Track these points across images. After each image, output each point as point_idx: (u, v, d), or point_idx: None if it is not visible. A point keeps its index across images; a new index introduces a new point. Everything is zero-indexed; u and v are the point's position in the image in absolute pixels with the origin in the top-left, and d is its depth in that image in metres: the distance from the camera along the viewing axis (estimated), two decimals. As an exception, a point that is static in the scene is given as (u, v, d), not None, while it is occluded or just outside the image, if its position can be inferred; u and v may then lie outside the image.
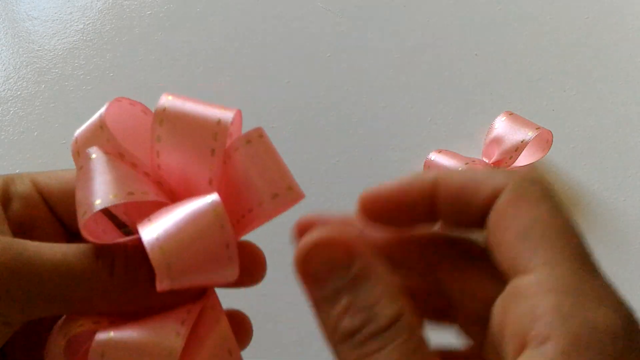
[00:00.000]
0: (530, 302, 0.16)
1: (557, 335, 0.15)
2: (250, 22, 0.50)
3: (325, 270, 0.17)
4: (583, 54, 0.48)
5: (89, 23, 0.50)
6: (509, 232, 0.17)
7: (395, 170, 0.40)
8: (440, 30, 0.49)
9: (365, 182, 0.39)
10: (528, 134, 0.38)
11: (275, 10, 0.51)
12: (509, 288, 0.16)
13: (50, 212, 0.22)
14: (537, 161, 0.40)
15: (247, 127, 0.38)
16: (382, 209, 0.20)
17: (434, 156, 0.38)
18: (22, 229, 0.21)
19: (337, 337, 0.17)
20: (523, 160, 0.40)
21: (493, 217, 0.17)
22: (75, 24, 0.50)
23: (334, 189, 0.39)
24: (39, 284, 0.18)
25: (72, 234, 0.22)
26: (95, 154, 0.21)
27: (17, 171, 0.40)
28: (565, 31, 0.50)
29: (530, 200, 0.17)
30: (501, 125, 0.40)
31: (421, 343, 0.16)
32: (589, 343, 0.15)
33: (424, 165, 0.38)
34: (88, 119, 0.22)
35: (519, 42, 0.49)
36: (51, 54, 0.47)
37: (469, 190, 0.18)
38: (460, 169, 0.17)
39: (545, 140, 0.39)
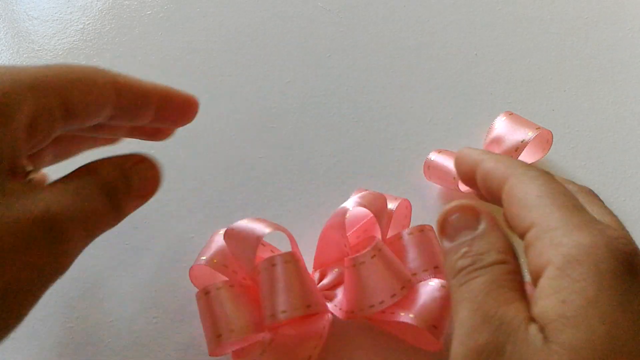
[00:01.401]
0: (534, 248, 0.21)
1: (553, 259, 0.20)
2: (250, 22, 0.50)
3: (455, 226, 0.23)
4: (583, 54, 0.48)
5: (89, 23, 0.50)
6: (514, 207, 0.22)
7: (396, 170, 0.40)
8: (440, 30, 0.49)
9: (366, 182, 0.39)
10: (528, 134, 0.38)
11: (275, 10, 0.51)
12: (523, 246, 0.22)
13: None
14: (537, 161, 0.40)
15: (247, 127, 0.38)
16: (458, 168, 0.28)
17: (434, 156, 0.38)
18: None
19: (452, 273, 0.22)
20: (523, 160, 0.40)
21: (504, 199, 0.23)
22: (75, 24, 0.50)
23: (334, 189, 0.39)
24: None
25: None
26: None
27: (17, 171, 0.40)
28: (565, 31, 0.50)
29: (526, 181, 0.23)
30: (501, 125, 0.40)
31: (514, 282, 0.21)
32: (576, 256, 0.19)
33: (424, 165, 0.38)
34: None
35: (519, 42, 0.49)
36: (51, 54, 0.47)
37: (487, 180, 0.25)
38: (488, 157, 0.26)
39: (545, 140, 0.39)
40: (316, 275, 0.33)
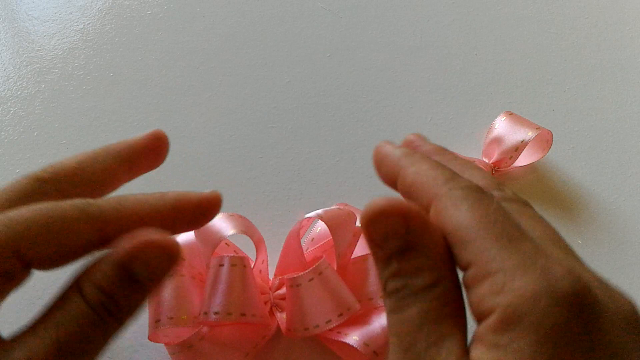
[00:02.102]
0: (474, 292, 0.19)
1: (495, 309, 0.18)
2: (250, 22, 0.50)
3: (383, 236, 0.20)
4: (583, 54, 0.48)
5: (89, 23, 0.50)
6: (448, 237, 0.20)
7: (395, 170, 0.40)
8: (440, 30, 0.49)
9: (366, 182, 0.39)
10: (528, 134, 0.38)
11: (275, 10, 0.51)
12: (462, 282, 0.20)
13: None
14: (537, 161, 0.40)
15: (247, 126, 0.38)
16: (378, 168, 0.23)
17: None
18: None
19: (384, 293, 0.20)
20: (523, 160, 0.40)
21: (432, 218, 0.21)
22: (75, 24, 0.50)
23: (334, 188, 0.39)
24: None
25: None
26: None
27: (17, 171, 0.40)
28: (565, 31, 0.50)
29: (453, 205, 0.20)
30: (501, 125, 0.40)
31: (449, 308, 0.19)
32: (517, 309, 0.18)
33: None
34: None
35: (519, 42, 0.49)
36: (51, 54, 0.47)
37: (411, 194, 0.22)
38: (409, 162, 0.22)
39: (545, 140, 0.39)
40: (275, 282, 0.33)
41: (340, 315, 0.29)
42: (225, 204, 0.39)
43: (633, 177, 0.40)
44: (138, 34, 0.49)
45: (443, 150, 0.24)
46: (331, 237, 0.33)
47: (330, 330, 0.30)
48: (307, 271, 0.30)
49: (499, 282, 0.18)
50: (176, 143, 0.42)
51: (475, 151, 0.41)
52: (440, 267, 0.19)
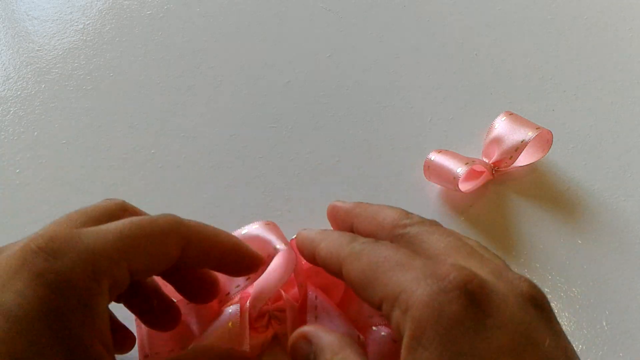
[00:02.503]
0: (393, 322, 0.21)
1: (406, 329, 0.20)
2: (251, 22, 0.50)
3: (299, 356, 0.24)
4: (583, 54, 0.48)
5: (89, 23, 0.50)
6: (358, 291, 0.23)
7: (396, 170, 0.40)
8: (440, 30, 0.49)
9: (366, 182, 0.39)
10: (528, 134, 0.38)
11: (275, 10, 0.51)
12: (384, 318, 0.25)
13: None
14: (537, 161, 0.40)
15: (247, 127, 0.38)
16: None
17: (433, 156, 0.38)
18: None
19: None
20: (523, 160, 0.40)
21: (347, 284, 0.24)
22: (75, 24, 0.50)
23: (334, 188, 0.39)
24: None
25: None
26: None
27: (17, 171, 0.40)
28: (565, 31, 0.50)
29: (353, 261, 0.24)
30: (501, 125, 0.40)
31: None
32: (419, 320, 0.20)
33: (424, 165, 0.38)
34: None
35: (519, 42, 0.49)
36: (51, 54, 0.47)
37: (327, 265, 0.26)
38: (320, 240, 0.26)
39: (545, 140, 0.39)
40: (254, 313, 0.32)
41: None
42: (225, 204, 0.39)
43: (633, 177, 0.40)
44: (138, 34, 0.49)
45: (358, 204, 0.28)
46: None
47: None
48: (308, 316, 0.29)
49: (404, 302, 0.20)
50: (176, 143, 0.42)
51: (475, 151, 0.41)
52: (337, 351, 0.23)
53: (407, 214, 0.26)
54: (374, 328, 0.29)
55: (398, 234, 0.25)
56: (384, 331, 0.29)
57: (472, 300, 0.20)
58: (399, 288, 0.21)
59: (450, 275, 0.20)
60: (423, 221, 0.25)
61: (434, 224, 0.25)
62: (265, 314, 0.31)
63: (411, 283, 0.20)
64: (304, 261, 0.30)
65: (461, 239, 0.24)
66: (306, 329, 0.24)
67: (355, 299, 0.31)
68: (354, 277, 0.23)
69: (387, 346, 0.29)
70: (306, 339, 0.24)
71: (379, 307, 0.22)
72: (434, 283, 0.20)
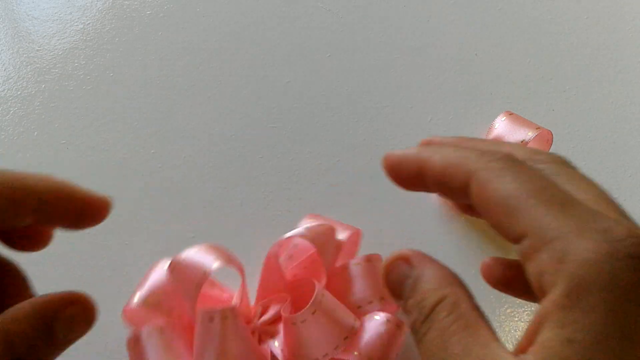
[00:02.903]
0: (533, 264, 0.18)
1: (557, 282, 0.17)
2: (250, 22, 0.50)
3: (397, 282, 0.21)
4: (583, 54, 0.48)
5: (89, 23, 0.50)
6: (494, 214, 0.19)
7: (395, 170, 0.40)
8: (440, 30, 0.49)
9: (366, 182, 0.39)
10: (528, 134, 0.38)
11: (275, 10, 0.51)
12: (519, 256, 0.19)
13: None
14: (537, 161, 0.40)
15: (247, 127, 0.38)
16: (396, 175, 0.23)
17: (434, 156, 0.38)
18: None
19: (410, 331, 0.20)
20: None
21: (476, 203, 0.20)
22: (75, 24, 0.50)
23: (334, 188, 0.39)
24: None
25: None
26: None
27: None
28: (565, 31, 0.50)
29: (494, 178, 0.19)
30: (501, 125, 0.40)
31: (465, 319, 0.19)
32: (582, 279, 0.17)
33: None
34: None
35: (519, 42, 0.49)
36: (51, 54, 0.47)
37: (447, 176, 0.21)
38: (432, 152, 0.21)
39: (545, 140, 0.39)
40: (258, 310, 0.32)
41: (346, 338, 0.29)
42: (225, 204, 0.39)
43: (633, 177, 0.40)
44: (138, 34, 0.49)
45: (465, 138, 0.24)
46: (310, 253, 0.32)
47: None
48: (307, 307, 0.29)
49: (559, 250, 0.17)
50: (176, 143, 0.42)
51: (475, 151, 0.41)
52: (443, 286, 0.20)
53: (534, 151, 0.22)
54: (369, 315, 0.30)
55: (535, 168, 0.20)
56: (378, 315, 0.30)
57: None
58: (556, 233, 0.18)
59: (626, 239, 0.17)
60: (555, 159, 0.21)
61: (565, 163, 0.21)
62: (254, 332, 0.31)
63: (574, 233, 0.17)
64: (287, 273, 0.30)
65: (599, 186, 0.20)
66: (409, 252, 0.21)
67: (342, 296, 0.31)
68: (493, 196, 0.19)
69: (383, 327, 0.29)
70: (409, 262, 0.20)
71: (515, 241, 0.19)
72: (604, 241, 0.17)
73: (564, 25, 0.50)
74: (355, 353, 0.29)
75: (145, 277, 0.32)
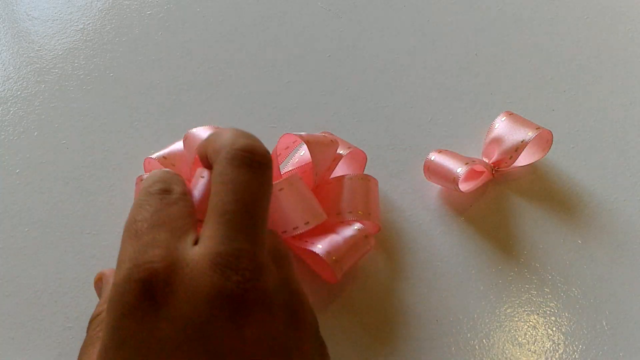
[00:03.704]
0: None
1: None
2: (250, 22, 0.50)
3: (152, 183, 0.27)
4: (583, 54, 0.48)
5: (89, 23, 0.50)
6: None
7: (396, 170, 0.40)
8: (440, 30, 0.49)
9: (365, 182, 0.39)
10: (528, 134, 0.38)
11: (275, 10, 0.51)
12: None
13: None
14: (537, 161, 0.40)
15: (247, 127, 0.38)
16: None
17: (434, 156, 0.38)
18: None
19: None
20: (523, 160, 0.40)
21: None
22: (75, 24, 0.50)
23: (334, 189, 0.39)
24: None
25: None
26: None
27: (17, 171, 0.40)
28: (565, 31, 0.50)
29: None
30: (501, 125, 0.40)
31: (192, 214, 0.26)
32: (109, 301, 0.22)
33: (424, 165, 0.38)
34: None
35: (519, 42, 0.49)
36: (51, 54, 0.47)
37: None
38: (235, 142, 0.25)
39: (545, 140, 0.39)
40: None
41: (307, 223, 0.31)
42: (225, 204, 0.39)
43: (633, 177, 0.40)
44: (138, 34, 0.49)
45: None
46: (307, 163, 0.35)
47: (300, 239, 0.32)
48: (278, 181, 0.31)
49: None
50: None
51: (475, 151, 0.41)
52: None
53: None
54: (345, 225, 0.33)
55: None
56: (355, 225, 0.33)
57: (146, 295, 0.22)
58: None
59: (137, 267, 0.22)
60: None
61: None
62: None
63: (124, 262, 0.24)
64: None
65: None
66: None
67: (328, 205, 0.34)
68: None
69: (350, 232, 0.33)
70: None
71: None
72: (118, 274, 0.23)
73: (564, 25, 0.50)
74: (320, 246, 0.31)
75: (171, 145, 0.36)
